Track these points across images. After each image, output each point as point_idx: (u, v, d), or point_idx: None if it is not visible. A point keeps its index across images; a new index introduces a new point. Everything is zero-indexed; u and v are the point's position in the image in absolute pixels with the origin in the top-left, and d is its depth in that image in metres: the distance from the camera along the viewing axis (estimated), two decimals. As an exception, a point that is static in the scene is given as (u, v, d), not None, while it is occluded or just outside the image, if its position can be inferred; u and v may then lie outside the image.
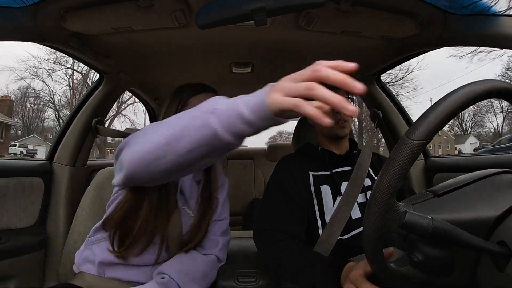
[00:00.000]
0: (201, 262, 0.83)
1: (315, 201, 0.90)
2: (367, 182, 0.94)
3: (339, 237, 0.83)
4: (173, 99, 0.89)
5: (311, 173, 0.93)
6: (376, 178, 0.95)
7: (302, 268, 0.74)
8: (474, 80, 0.43)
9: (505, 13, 0.71)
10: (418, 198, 0.48)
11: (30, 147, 21.51)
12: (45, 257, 1.18)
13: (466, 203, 0.46)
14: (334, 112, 0.94)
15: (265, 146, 2.46)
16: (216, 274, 0.89)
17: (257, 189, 2.17)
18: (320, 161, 0.96)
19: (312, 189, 0.91)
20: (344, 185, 0.92)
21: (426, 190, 0.50)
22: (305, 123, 1.28)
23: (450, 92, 0.42)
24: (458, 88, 0.42)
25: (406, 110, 1.44)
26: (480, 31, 0.74)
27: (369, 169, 0.95)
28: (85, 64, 1.16)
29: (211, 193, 0.90)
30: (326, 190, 0.91)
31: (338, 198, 0.89)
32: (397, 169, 0.40)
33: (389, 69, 1.30)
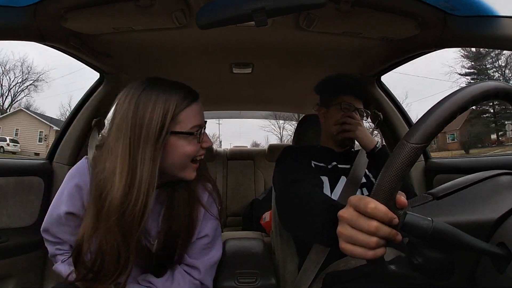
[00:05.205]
0: (183, 284, 0.76)
1: None
2: (363, 179, 0.96)
3: None
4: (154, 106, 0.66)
5: (313, 162, 0.97)
6: (370, 176, 0.98)
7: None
8: (472, 82, 0.43)
9: (505, 14, 0.70)
10: (417, 201, 0.48)
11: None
12: (44, 257, 1.17)
13: (465, 205, 0.46)
14: (341, 123, 0.98)
15: (265, 147, 2.45)
16: None
17: (257, 190, 2.17)
18: (320, 156, 1.00)
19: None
20: (342, 180, 0.94)
21: (425, 192, 0.50)
22: (307, 124, 1.28)
23: (448, 95, 0.42)
24: (455, 91, 0.42)
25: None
26: (480, 32, 0.74)
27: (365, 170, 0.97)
28: (85, 63, 1.15)
29: (172, 224, 0.75)
30: (324, 181, 0.93)
31: (335, 191, 0.91)
32: (396, 173, 0.40)
33: (389, 70, 1.30)
